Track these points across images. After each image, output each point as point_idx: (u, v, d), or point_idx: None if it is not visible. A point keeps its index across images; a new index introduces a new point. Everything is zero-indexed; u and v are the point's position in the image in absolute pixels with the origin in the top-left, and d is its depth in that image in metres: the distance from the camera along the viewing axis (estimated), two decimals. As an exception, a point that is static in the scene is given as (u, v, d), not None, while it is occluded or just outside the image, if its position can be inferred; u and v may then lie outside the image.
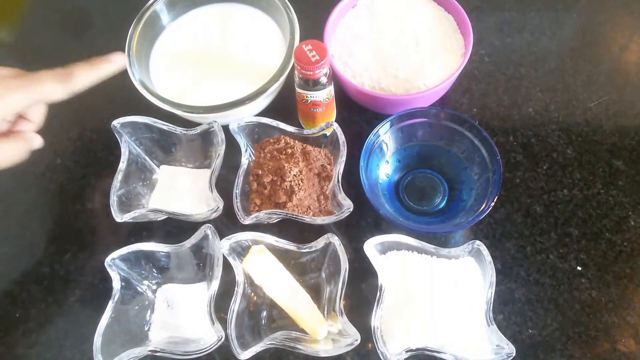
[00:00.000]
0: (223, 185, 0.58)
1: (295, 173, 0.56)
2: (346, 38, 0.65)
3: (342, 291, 0.50)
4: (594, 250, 0.58)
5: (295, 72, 0.55)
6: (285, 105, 0.64)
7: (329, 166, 0.60)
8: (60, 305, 0.59)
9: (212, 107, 0.59)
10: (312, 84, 0.56)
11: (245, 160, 0.58)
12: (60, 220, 0.64)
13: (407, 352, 0.47)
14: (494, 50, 0.71)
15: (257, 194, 0.58)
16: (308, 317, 0.51)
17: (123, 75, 0.59)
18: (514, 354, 0.46)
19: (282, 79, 0.60)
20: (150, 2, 0.66)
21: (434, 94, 0.60)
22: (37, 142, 0.54)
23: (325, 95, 0.57)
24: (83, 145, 0.68)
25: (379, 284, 0.50)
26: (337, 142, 0.58)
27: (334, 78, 0.60)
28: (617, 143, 0.63)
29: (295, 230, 0.59)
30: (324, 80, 0.55)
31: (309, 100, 0.57)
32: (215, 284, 0.51)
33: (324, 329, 0.51)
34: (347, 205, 0.54)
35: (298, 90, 0.57)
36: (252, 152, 0.60)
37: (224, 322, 0.50)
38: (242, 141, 0.58)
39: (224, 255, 0.52)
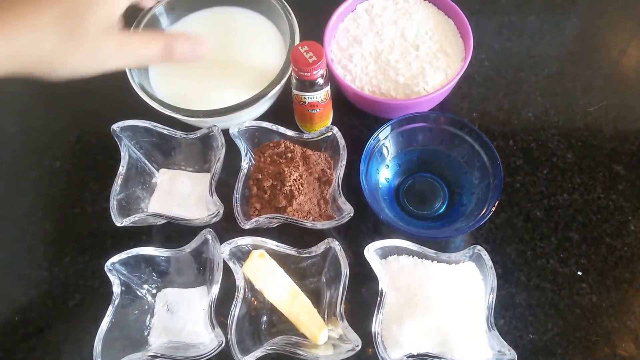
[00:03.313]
0: (223, 190, 0.58)
1: (295, 177, 0.56)
2: (345, 42, 0.65)
3: (343, 296, 0.50)
4: (595, 255, 0.58)
5: (292, 74, 0.55)
6: (286, 109, 0.64)
7: (329, 170, 0.60)
8: (59, 309, 0.59)
9: (212, 111, 0.58)
10: (309, 85, 0.55)
11: (245, 164, 0.58)
12: (59, 224, 0.63)
13: (408, 357, 0.47)
14: (494, 55, 0.71)
15: (257, 198, 0.57)
16: (308, 322, 0.51)
17: (123, 78, 0.59)
18: (515, 360, 0.46)
19: (282, 82, 0.60)
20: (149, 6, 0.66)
21: (434, 98, 0.60)
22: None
23: (322, 96, 0.57)
24: (82, 148, 0.68)
25: (380, 289, 0.50)
26: (337, 147, 0.58)
27: (334, 82, 0.60)
28: (617, 147, 0.63)
29: (295, 234, 0.59)
30: (320, 81, 0.55)
31: (307, 102, 0.57)
32: (216, 289, 0.51)
33: (324, 334, 0.51)
34: (348, 209, 0.53)
35: (295, 92, 0.57)
36: (252, 156, 0.60)
37: (224, 327, 0.50)
38: (242, 145, 0.58)
39: (224, 260, 0.51)
